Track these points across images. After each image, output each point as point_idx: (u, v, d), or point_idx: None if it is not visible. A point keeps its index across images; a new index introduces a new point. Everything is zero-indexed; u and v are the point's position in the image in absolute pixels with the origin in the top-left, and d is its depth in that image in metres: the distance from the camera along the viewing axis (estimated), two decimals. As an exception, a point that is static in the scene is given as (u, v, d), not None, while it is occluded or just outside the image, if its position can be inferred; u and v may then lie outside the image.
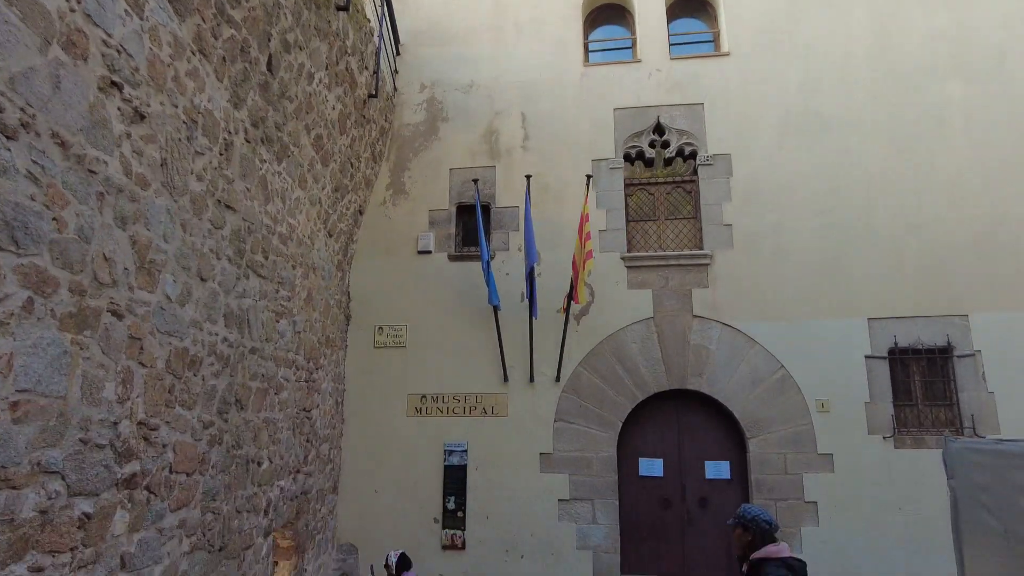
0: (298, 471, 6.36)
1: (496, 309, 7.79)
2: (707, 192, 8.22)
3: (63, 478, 2.88)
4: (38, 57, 2.71)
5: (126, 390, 3.36)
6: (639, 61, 8.74)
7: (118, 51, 3.24)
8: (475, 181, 8.25)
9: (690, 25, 9.20)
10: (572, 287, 7.52)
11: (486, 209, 8.42)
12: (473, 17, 9.14)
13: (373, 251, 8.54)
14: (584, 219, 7.42)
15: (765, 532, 3.44)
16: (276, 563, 6.18)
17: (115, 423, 3.27)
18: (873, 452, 7.28)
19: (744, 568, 3.48)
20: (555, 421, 7.79)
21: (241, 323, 4.95)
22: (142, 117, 3.50)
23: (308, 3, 5.49)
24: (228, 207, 4.68)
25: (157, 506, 3.71)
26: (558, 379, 7.86)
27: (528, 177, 7.86)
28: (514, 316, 7.97)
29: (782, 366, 7.59)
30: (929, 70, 8.11)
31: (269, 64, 5.14)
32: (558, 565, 7.43)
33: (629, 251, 8.20)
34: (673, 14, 9.05)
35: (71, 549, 2.94)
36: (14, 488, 2.59)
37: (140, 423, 3.52)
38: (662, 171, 8.63)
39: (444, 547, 7.60)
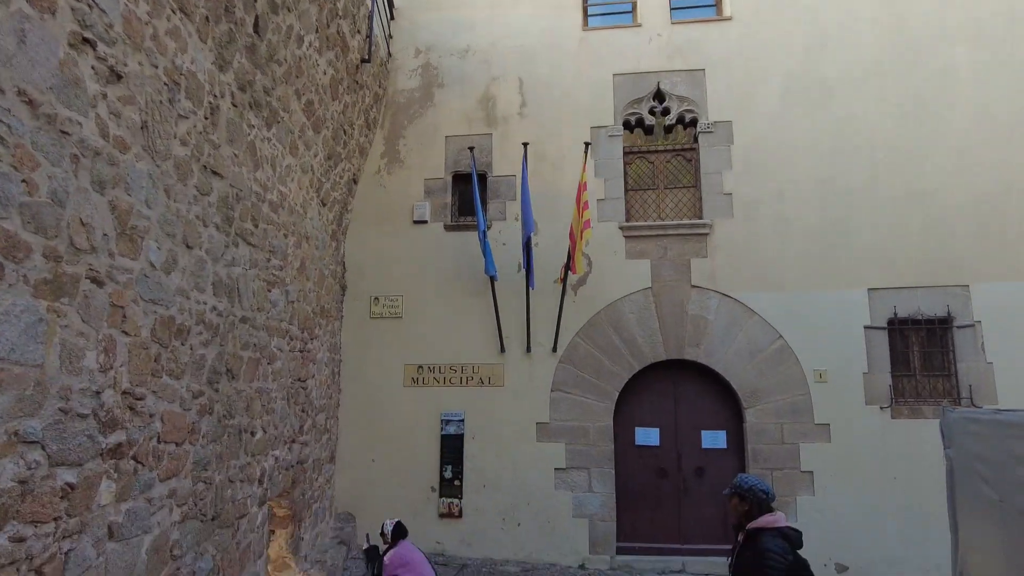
0: (293, 441, 6.34)
1: (493, 279, 7.71)
2: (707, 160, 8.06)
3: (43, 448, 2.82)
4: None
5: (108, 359, 3.29)
6: (639, 25, 8.51)
7: (89, 6, 3.09)
8: (471, 149, 8.07)
9: (692, -12, 8.94)
10: (570, 257, 7.43)
11: (483, 178, 8.27)
12: (469, -21, 8.88)
13: (368, 221, 8.42)
14: (582, 188, 7.28)
15: (762, 502, 3.42)
16: (272, 532, 6.20)
17: (98, 392, 3.20)
18: (870, 422, 7.27)
19: (740, 537, 3.46)
20: (552, 391, 7.76)
21: (231, 292, 4.87)
22: (119, 77, 3.36)
23: (295, -39, 5.30)
24: (215, 173, 4.56)
25: (145, 476, 3.67)
26: (555, 349, 7.82)
27: (525, 145, 7.68)
28: (511, 286, 7.89)
29: (780, 336, 7.54)
30: (937, 34, 7.89)
31: (256, 26, 4.97)
32: (554, 533, 7.48)
33: (628, 221, 8.09)
34: (675, -24, 8.77)
35: (55, 519, 2.90)
36: (-9, 458, 2.54)
37: (125, 392, 3.45)
38: (662, 139, 8.47)
39: (441, 515, 7.64)
